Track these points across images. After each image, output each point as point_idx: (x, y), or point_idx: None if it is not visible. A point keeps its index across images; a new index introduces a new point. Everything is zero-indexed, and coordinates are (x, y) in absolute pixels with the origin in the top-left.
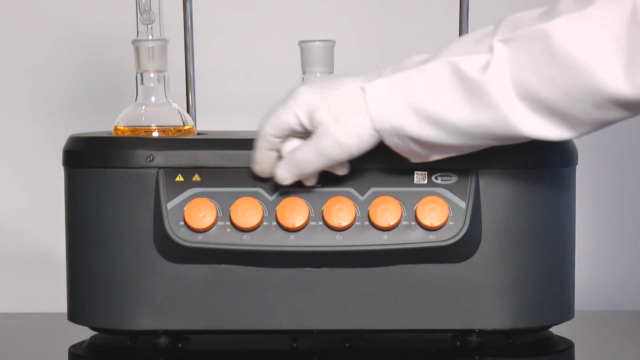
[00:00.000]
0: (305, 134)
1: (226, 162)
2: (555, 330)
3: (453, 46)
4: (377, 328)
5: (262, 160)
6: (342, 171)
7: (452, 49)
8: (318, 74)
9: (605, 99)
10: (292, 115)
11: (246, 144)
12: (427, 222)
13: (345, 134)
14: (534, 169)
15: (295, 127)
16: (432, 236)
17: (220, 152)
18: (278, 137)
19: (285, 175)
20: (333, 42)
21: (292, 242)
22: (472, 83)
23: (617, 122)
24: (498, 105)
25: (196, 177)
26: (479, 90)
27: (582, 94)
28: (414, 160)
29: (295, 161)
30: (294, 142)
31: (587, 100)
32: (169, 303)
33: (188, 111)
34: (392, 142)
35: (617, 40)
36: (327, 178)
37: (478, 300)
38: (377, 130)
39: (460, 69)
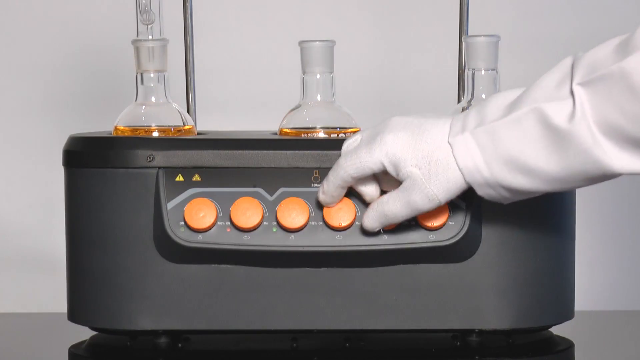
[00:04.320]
0: (384, 174)
1: (226, 162)
2: (555, 330)
3: (536, 89)
4: (377, 328)
5: (332, 195)
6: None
7: (535, 94)
8: (318, 75)
9: None
10: (379, 163)
11: (246, 144)
12: (427, 222)
13: (435, 190)
14: None
15: (377, 172)
16: (432, 236)
17: (220, 152)
18: (356, 179)
19: (374, 225)
20: (333, 42)
21: (292, 242)
22: (560, 132)
23: None
24: (588, 149)
25: (196, 177)
26: (567, 138)
27: None
28: (505, 203)
29: (385, 214)
30: (375, 190)
31: None
32: (169, 303)
33: (188, 111)
34: (485, 193)
35: None
36: None
37: (478, 300)
38: (469, 184)
39: (547, 118)
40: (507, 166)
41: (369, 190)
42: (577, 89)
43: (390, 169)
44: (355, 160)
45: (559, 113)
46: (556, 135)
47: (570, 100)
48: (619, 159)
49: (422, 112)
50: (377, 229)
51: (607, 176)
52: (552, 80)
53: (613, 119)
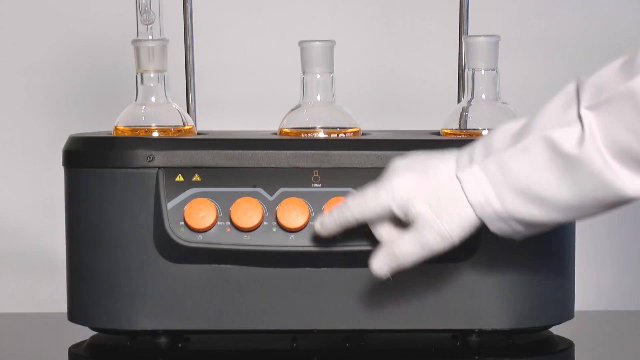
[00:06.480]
0: (394, 218)
1: (226, 162)
2: (555, 330)
3: (541, 116)
4: (377, 328)
5: (329, 229)
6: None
7: (541, 121)
8: (318, 75)
9: None
10: (386, 207)
11: (246, 144)
12: None
13: (448, 226)
14: None
15: (384, 216)
16: None
17: (220, 152)
18: (360, 221)
19: (383, 269)
20: (333, 42)
21: (292, 242)
22: (570, 158)
23: None
24: (599, 174)
25: (196, 177)
26: (577, 163)
27: None
28: (518, 239)
29: (395, 255)
30: (390, 232)
31: None
32: (169, 303)
33: (188, 111)
34: (497, 228)
35: None
36: (327, 178)
37: (478, 300)
38: (480, 218)
39: (556, 145)
40: (519, 197)
41: (383, 232)
42: (585, 113)
43: (398, 213)
44: (361, 201)
45: (567, 139)
46: (566, 162)
47: (578, 125)
48: (632, 183)
49: (424, 152)
50: (386, 274)
51: (621, 201)
52: (557, 107)
53: (624, 141)
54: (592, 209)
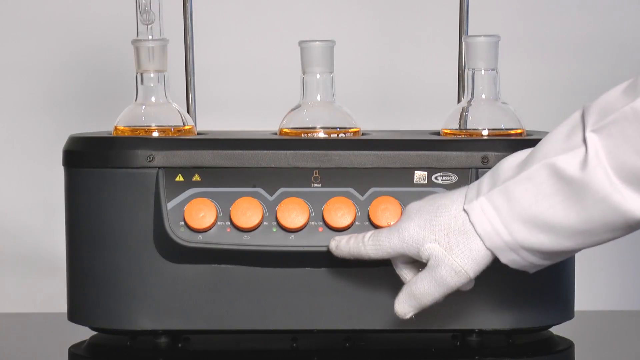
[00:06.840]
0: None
1: (226, 162)
2: (555, 330)
3: (545, 144)
4: (377, 328)
5: (342, 255)
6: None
7: (545, 149)
8: (318, 75)
9: None
10: (398, 251)
11: (246, 144)
12: None
13: (460, 260)
14: None
15: (396, 257)
16: None
17: (220, 152)
18: (373, 259)
19: (406, 310)
20: (333, 42)
21: (292, 242)
22: (575, 182)
23: None
24: (606, 197)
25: (196, 177)
26: (583, 187)
27: None
28: (531, 271)
29: (415, 295)
30: (411, 272)
31: None
32: (169, 303)
33: (188, 111)
34: (508, 259)
35: None
36: (327, 178)
37: (478, 300)
38: (490, 250)
39: (559, 170)
40: (526, 225)
41: (404, 272)
42: (590, 136)
43: (411, 255)
44: (375, 241)
45: (570, 163)
46: (571, 187)
47: (582, 149)
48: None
49: (437, 194)
50: (409, 313)
51: (630, 224)
52: (561, 133)
53: (630, 162)
54: (601, 233)
